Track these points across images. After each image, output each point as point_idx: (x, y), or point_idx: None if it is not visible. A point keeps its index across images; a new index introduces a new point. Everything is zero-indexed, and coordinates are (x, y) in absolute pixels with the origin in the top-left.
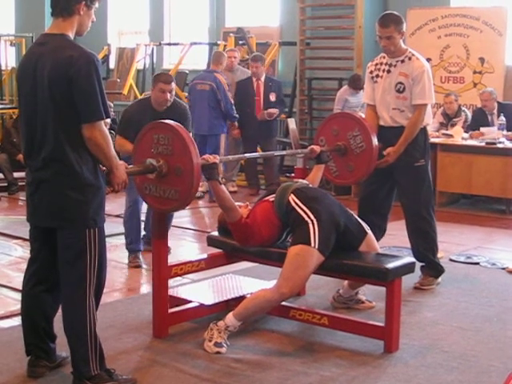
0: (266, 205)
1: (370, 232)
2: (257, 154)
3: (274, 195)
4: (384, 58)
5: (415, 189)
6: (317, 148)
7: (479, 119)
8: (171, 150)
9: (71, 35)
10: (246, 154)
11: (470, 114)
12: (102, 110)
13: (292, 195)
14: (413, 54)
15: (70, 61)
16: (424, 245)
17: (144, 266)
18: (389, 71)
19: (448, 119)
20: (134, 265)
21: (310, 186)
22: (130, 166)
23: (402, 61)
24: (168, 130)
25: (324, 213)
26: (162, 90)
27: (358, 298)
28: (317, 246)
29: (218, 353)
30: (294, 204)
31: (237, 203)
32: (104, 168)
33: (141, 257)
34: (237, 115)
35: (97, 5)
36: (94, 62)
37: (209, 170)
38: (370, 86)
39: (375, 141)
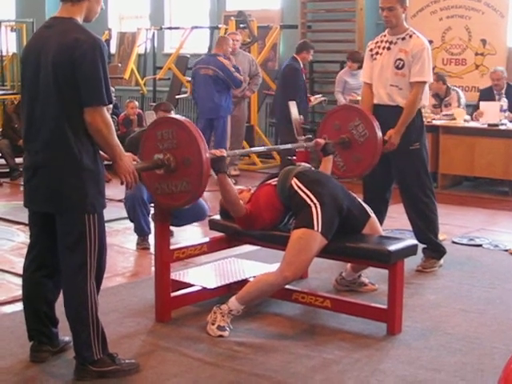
0: (269, 188)
1: (373, 215)
2: (262, 148)
3: (276, 179)
4: (385, 36)
5: (411, 172)
6: (321, 140)
7: (487, 99)
8: (176, 143)
9: (79, 20)
10: (252, 149)
11: (461, 93)
12: (105, 95)
13: (294, 179)
14: (414, 33)
15: (75, 44)
16: (424, 226)
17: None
18: (389, 48)
19: (440, 100)
20: (141, 247)
21: (313, 169)
22: (137, 162)
23: (403, 38)
24: (170, 123)
25: (327, 196)
26: None
27: (361, 281)
28: (320, 230)
29: (221, 336)
30: (296, 187)
31: (239, 187)
32: (106, 156)
33: (150, 240)
34: (242, 83)
35: None
36: (100, 46)
37: (218, 163)
38: (368, 64)
39: (378, 127)
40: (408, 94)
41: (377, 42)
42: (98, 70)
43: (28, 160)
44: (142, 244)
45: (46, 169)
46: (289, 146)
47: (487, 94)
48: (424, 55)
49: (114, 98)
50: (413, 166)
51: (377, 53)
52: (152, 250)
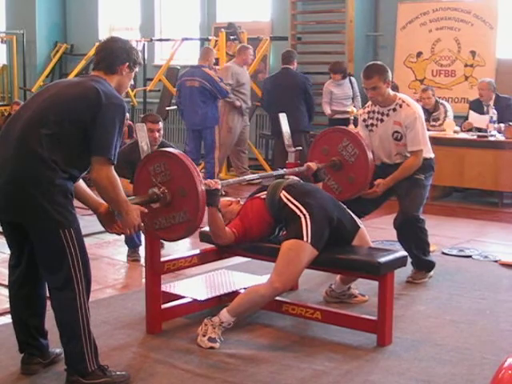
0: (258, 202)
1: (362, 226)
2: (256, 175)
3: (265, 192)
4: (375, 106)
5: (410, 194)
6: (313, 165)
7: (476, 110)
8: (170, 175)
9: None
10: (245, 177)
11: (448, 106)
12: (113, 152)
13: (283, 191)
14: (403, 101)
15: (101, 92)
16: (415, 247)
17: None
18: (382, 120)
19: (428, 114)
20: (132, 259)
21: (301, 182)
22: (133, 197)
23: (394, 109)
24: (160, 156)
25: (316, 207)
26: (151, 129)
27: (351, 293)
28: (309, 241)
29: (212, 348)
30: (285, 200)
31: (228, 198)
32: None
33: (140, 251)
34: (229, 94)
35: (137, 69)
36: (124, 107)
37: (211, 197)
38: (364, 132)
39: (366, 144)
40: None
41: (369, 112)
42: (115, 127)
43: None
44: (133, 256)
45: (14, 184)
46: (281, 171)
47: (476, 106)
48: (417, 124)
49: None
50: (413, 190)
51: (372, 124)
52: (143, 261)
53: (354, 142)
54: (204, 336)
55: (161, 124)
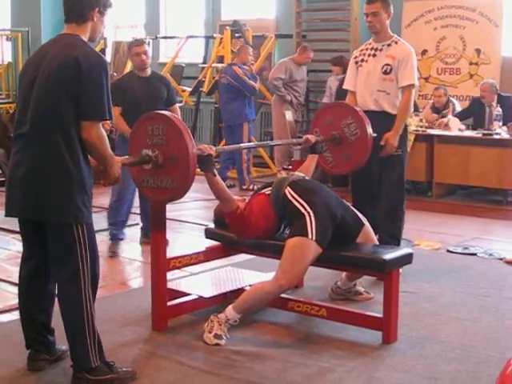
0: (262, 198)
1: (367, 223)
2: (252, 143)
3: (269, 188)
4: (370, 44)
5: (389, 177)
6: (312, 138)
7: (475, 109)
8: (166, 140)
9: (84, 39)
10: (241, 144)
11: (457, 103)
12: (106, 110)
13: (288, 188)
14: (399, 39)
15: (81, 58)
16: (390, 232)
17: (141, 258)
18: (374, 55)
19: (437, 112)
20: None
21: (307, 178)
22: (126, 156)
23: (389, 44)
24: (161, 120)
25: (320, 205)
26: (137, 53)
27: (356, 290)
28: (314, 238)
29: (217, 345)
30: (290, 197)
31: (235, 197)
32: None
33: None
34: (256, 91)
35: (109, 12)
36: (106, 64)
37: (204, 162)
38: (352, 72)
39: (369, 128)
40: (395, 100)
41: (361, 50)
42: (102, 86)
43: (16, 167)
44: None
45: (34, 177)
46: (279, 142)
47: (476, 105)
48: (411, 60)
49: None
50: (394, 172)
51: (362, 60)
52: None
53: (359, 123)
54: (210, 332)
55: (146, 46)
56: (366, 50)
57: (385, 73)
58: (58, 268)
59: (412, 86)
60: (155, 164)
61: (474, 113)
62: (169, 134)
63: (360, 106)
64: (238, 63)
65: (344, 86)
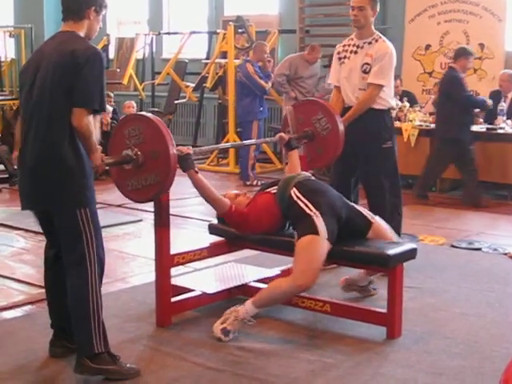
0: (268, 196)
1: (376, 220)
2: (228, 144)
3: (275, 187)
4: (352, 39)
5: (383, 171)
6: (285, 136)
7: (494, 101)
8: (143, 138)
9: (81, 35)
10: (219, 145)
11: None
12: (98, 101)
13: (294, 189)
14: (380, 37)
15: (78, 51)
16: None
17: (144, 254)
18: (356, 52)
19: None
20: None
21: (312, 178)
22: (107, 157)
23: (370, 42)
24: (137, 120)
25: (325, 205)
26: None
27: (369, 289)
28: (325, 236)
29: (219, 340)
30: (295, 198)
31: (234, 191)
32: None
33: None
34: (267, 90)
35: (104, 12)
36: (102, 57)
37: (183, 161)
38: (336, 67)
39: (339, 120)
40: (376, 98)
41: (344, 46)
42: (96, 77)
43: (21, 160)
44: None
45: (35, 167)
46: (252, 141)
47: (496, 96)
48: (385, 59)
49: (113, 103)
50: (385, 165)
51: (344, 57)
52: (147, 254)
53: (329, 117)
54: (222, 324)
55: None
56: (349, 46)
57: (364, 72)
58: (67, 253)
59: (378, 85)
60: (136, 163)
61: (496, 106)
62: (145, 132)
63: (345, 103)
64: (253, 60)
65: (328, 81)
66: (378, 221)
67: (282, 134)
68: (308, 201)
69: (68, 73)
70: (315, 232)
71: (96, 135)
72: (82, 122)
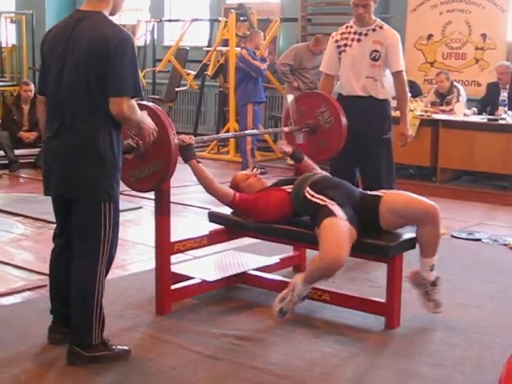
0: (283, 194)
1: (384, 192)
2: (230, 133)
3: (291, 186)
4: (351, 27)
5: (383, 160)
6: (288, 149)
7: (492, 93)
8: None
9: (106, 14)
10: (220, 134)
11: (462, 88)
12: (133, 87)
13: (307, 188)
14: (383, 24)
15: (109, 37)
16: None
17: (143, 242)
18: (359, 40)
19: (441, 98)
20: None
21: (328, 176)
22: None
23: (374, 29)
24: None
25: (339, 197)
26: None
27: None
28: (343, 217)
29: (278, 317)
30: (309, 196)
31: (244, 172)
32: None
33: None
34: (262, 70)
35: None
36: (133, 41)
37: (185, 150)
38: (331, 55)
39: (343, 114)
40: (381, 86)
41: (343, 33)
42: (128, 64)
43: (49, 146)
44: None
45: (68, 155)
46: (255, 131)
47: (493, 89)
48: (400, 46)
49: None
50: (384, 155)
51: (345, 45)
52: (146, 241)
53: (332, 111)
54: (280, 302)
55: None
56: (349, 33)
57: (373, 59)
58: (80, 242)
59: (402, 72)
60: (138, 152)
61: (493, 98)
62: None
63: (346, 91)
64: (250, 48)
65: (321, 68)
66: (388, 192)
67: (283, 146)
68: (321, 195)
69: (100, 61)
70: (332, 215)
71: (138, 112)
72: (123, 109)
